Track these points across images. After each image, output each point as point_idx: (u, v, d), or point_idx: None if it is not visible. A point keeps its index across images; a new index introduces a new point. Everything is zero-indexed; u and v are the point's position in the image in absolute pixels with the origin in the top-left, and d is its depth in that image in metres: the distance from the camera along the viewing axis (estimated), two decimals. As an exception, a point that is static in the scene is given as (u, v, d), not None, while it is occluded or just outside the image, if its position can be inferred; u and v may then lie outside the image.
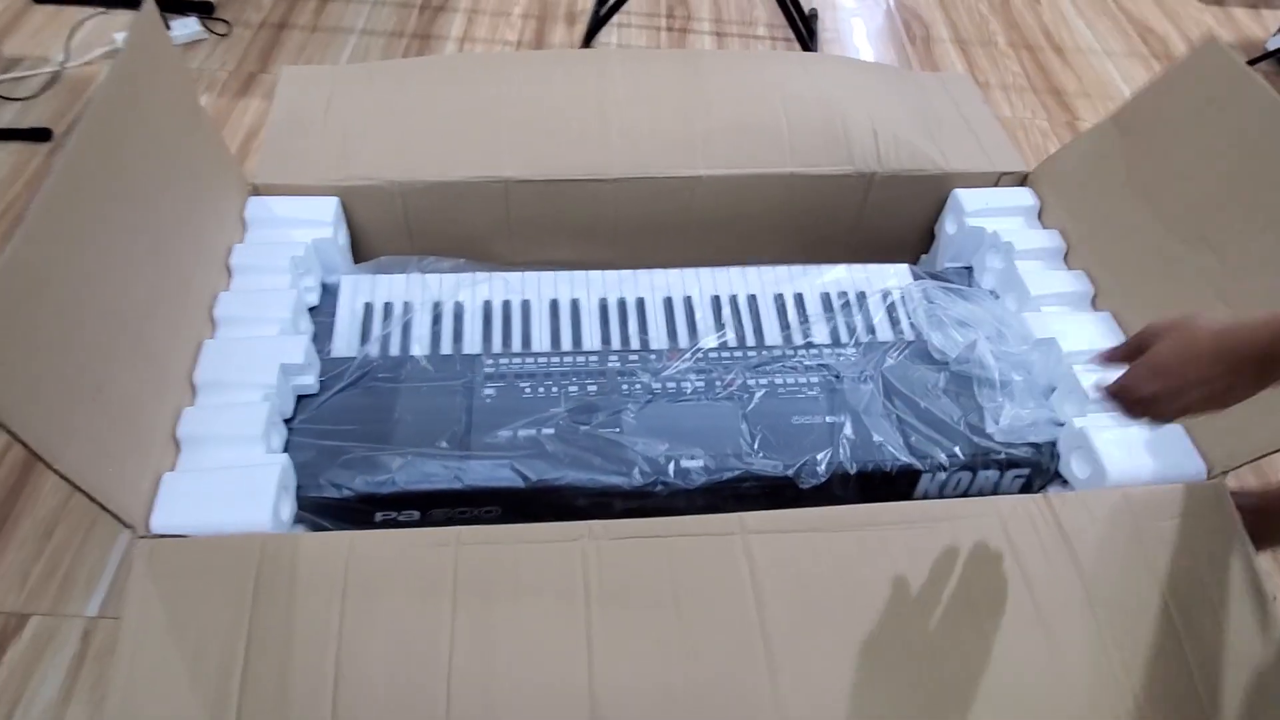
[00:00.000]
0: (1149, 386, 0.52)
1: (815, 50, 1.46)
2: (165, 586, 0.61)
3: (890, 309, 0.89)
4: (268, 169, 0.88)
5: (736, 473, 0.75)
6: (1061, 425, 0.79)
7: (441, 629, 0.60)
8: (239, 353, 0.74)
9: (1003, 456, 0.78)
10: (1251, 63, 1.63)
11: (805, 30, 1.53)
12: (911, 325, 0.87)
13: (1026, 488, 0.79)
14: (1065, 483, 0.78)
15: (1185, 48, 1.66)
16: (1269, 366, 0.46)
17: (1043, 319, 0.84)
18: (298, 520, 0.72)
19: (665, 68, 0.99)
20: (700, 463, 0.75)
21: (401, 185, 0.89)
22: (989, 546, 0.66)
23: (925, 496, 0.80)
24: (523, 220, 0.94)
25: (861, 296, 0.90)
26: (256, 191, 0.88)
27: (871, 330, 0.87)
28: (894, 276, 0.92)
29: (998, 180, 0.97)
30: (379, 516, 0.75)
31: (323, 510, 0.73)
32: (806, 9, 1.57)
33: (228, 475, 0.67)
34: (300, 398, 0.78)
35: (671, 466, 0.75)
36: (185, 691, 0.57)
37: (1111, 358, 0.56)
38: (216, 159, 0.84)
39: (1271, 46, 1.65)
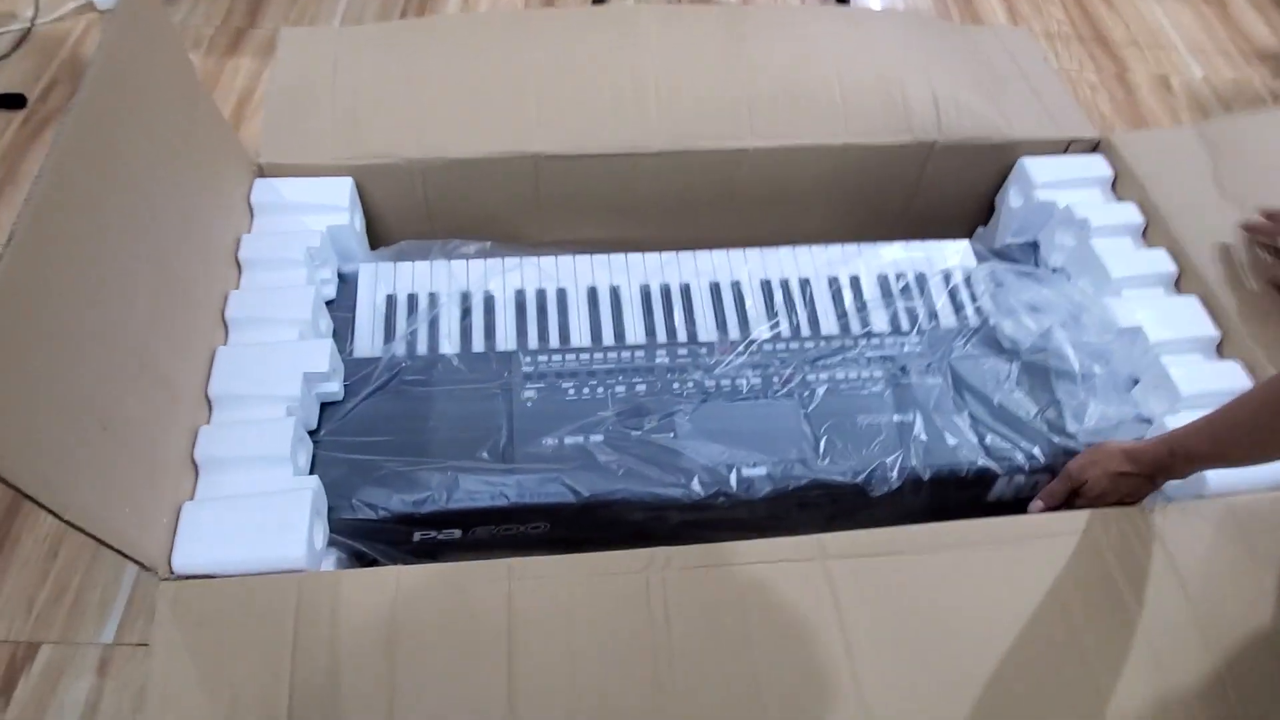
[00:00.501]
0: (1083, 503, 0.68)
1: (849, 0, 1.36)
2: (194, 636, 0.55)
3: (953, 292, 0.82)
4: (273, 147, 0.80)
5: (803, 482, 0.69)
6: (1149, 423, 0.73)
7: (498, 676, 0.54)
8: (257, 361, 0.67)
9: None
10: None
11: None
12: (977, 310, 0.81)
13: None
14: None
15: (1236, -10, 1.56)
16: (1161, 472, 0.64)
17: (1125, 304, 0.77)
18: (330, 543, 0.66)
19: (703, 28, 0.90)
20: (763, 470, 0.69)
21: (421, 164, 0.81)
22: (1088, 569, 0.60)
23: (1000, 500, 0.75)
24: (553, 198, 0.86)
25: (921, 279, 0.83)
26: (262, 173, 0.79)
27: (934, 316, 0.80)
28: (956, 255, 0.85)
29: (1066, 148, 0.89)
30: (417, 536, 0.69)
31: (356, 532, 0.67)
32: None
33: (255, 504, 0.60)
34: (324, 405, 0.71)
35: (733, 476, 0.69)
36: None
37: (1051, 504, 0.70)
38: (218, 138, 0.75)
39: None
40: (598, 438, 0.71)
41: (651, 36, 0.89)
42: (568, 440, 0.70)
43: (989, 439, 0.72)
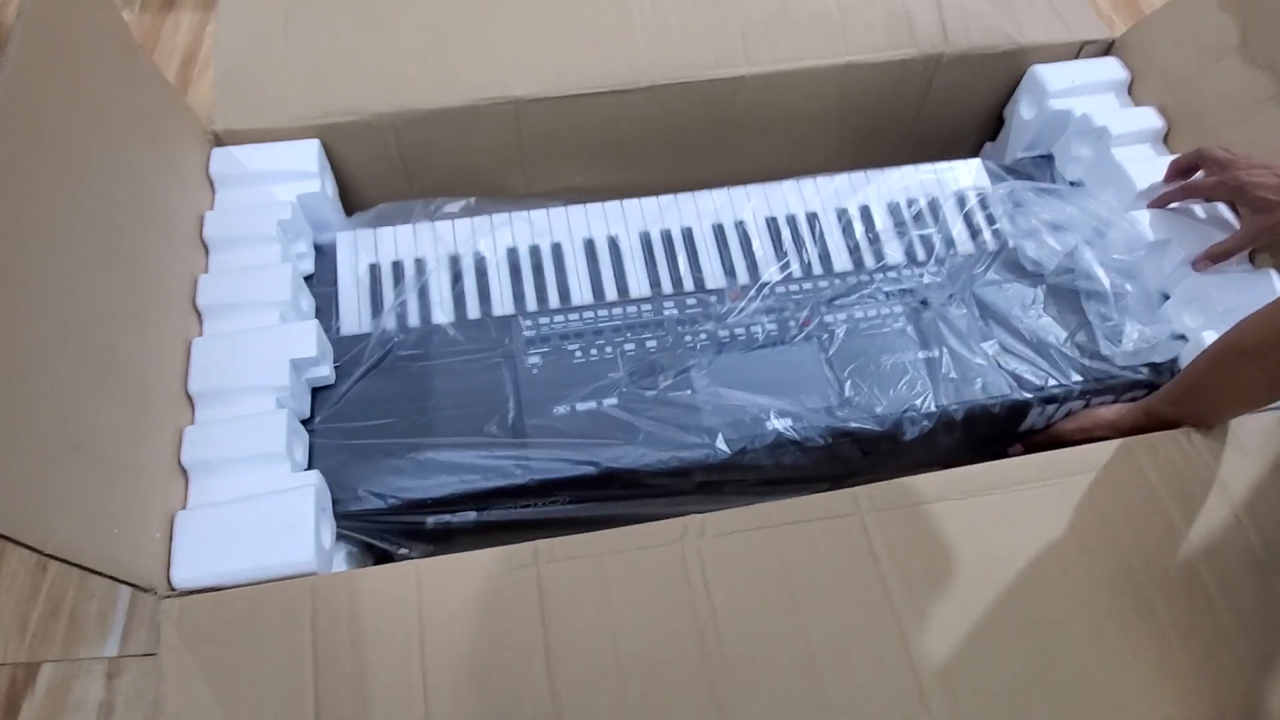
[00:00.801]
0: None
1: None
2: (206, 655, 0.51)
3: (969, 216, 0.78)
4: (228, 111, 0.73)
5: (832, 431, 0.66)
6: (1185, 340, 0.70)
7: (536, 665, 0.51)
8: (238, 350, 0.62)
9: (1120, 381, 0.69)
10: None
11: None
12: (995, 233, 0.76)
13: None
14: None
15: None
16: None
17: (1152, 217, 0.74)
18: (337, 538, 0.62)
19: (684, -58, 0.83)
20: (789, 422, 0.66)
21: (392, 118, 0.74)
22: (1138, 499, 0.58)
23: (1032, 429, 0.72)
24: (538, 144, 0.80)
25: (934, 203, 0.78)
26: (219, 141, 0.72)
27: (951, 243, 0.76)
28: (968, 175, 0.80)
29: (1079, 51, 0.84)
30: (430, 521, 0.65)
31: (365, 523, 0.63)
32: None
33: (254, 506, 0.56)
34: (315, 390, 0.66)
35: (758, 430, 0.65)
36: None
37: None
38: (165, 106, 0.68)
39: None
40: (611, 401, 0.67)
41: (628, -43, 0.81)
42: (580, 407, 0.66)
43: (1021, 369, 0.69)
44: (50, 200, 0.51)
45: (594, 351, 0.69)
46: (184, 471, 0.58)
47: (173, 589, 0.53)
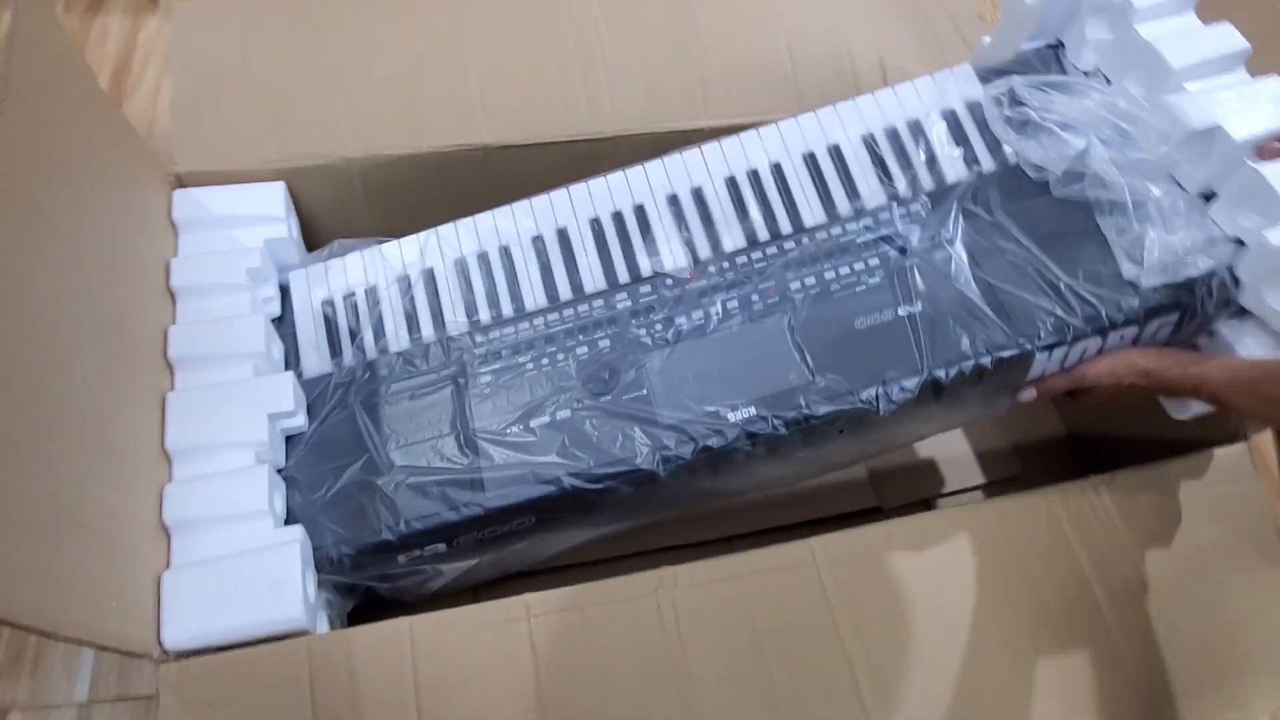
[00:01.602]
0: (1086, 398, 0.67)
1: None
2: (207, 718, 0.52)
3: (958, 131, 0.70)
4: (188, 150, 0.72)
5: (801, 416, 0.61)
6: (1240, 244, 0.60)
7: (529, 715, 0.55)
8: (214, 406, 0.62)
9: (1142, 309, 0.62)
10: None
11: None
12: (990, 146, 0.68)
13: (1176, 332, 0.65)
14: (1242, 316, 0.63)
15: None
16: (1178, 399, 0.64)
17: (1194, 101, 0.61)
18: (318, 584, 0.63)
19: (647, -8, 0.86)
20: (750, 412, 0.61)
21: (359, 163, 0.74)
22: (1053, 545, 0.65)
23: (1043, 375, 0.66)
24: (504, 185, 0.81)
25: (916, 126, 0.70)
26: (180, 182, 0.71)
27: (937, 170, 0.69)
28: (954, 82, 0.71)
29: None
30: (402, 559, 0.67)
31: (341, 569, 0.64)
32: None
33: (240, 564, 0.57)
34: (289, 438, 0.67)
35: (718, 427, 0.61)
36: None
37: (1046, 394, 0.67)
38: (126, 146, 0.67)
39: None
40: (565, 414, 0.63)
41: (594, 5, 0.83)
42: (534, 423, 0.64)
43: (1018, 313, 0.62)
44: (34, 263, 0.50)
45: (545, 361, 0.66)
46: (166, 530, 0.58)
47: (165, 652, 0.54)
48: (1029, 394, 0.66)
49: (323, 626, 0.60)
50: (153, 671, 0.53)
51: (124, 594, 0.52)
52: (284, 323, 0.72)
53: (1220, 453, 0.70)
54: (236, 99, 0.74)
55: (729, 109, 0.82)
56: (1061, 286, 0.62)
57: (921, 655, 0.61)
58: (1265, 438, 0.96)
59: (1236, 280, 0.61)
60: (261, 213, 0.71)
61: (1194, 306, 0.62)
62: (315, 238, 0.79)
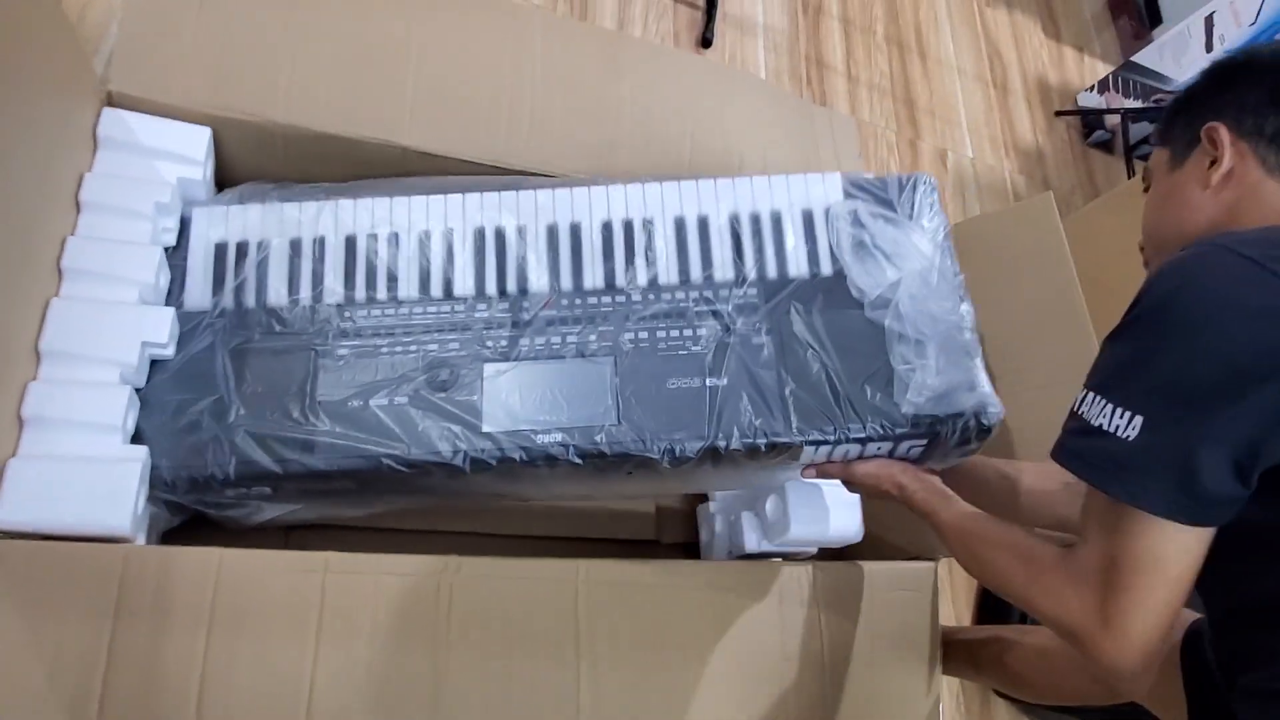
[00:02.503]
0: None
1: (716, 2, 1.42)
2: (20, 594, 0.60)
3: (809, 233, 0.79)
4: (126, 74, 0.76)
5: (597, 452, 0.70)
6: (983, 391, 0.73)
7: (304, 666, 0.65)
8: (94, 321, 0.68)
9: (899, 432, 0.72)
10: (1058, 114, 1.84)
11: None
12: (829, 255, 0.78)
13: (926, 455, 0.76)
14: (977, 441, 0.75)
15: (1021, 83, 1.82)
16: (920, 514, 0.71)
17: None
18: (149, 497, 0.71)
19: (585, 51, 0.96)
20: (558, 438, 0.70)
21: (285, 129, 0.81)
22: (768, 609, 0.82)
23: (812, 463, 0.77)
24: (416, 183, 0.90)
25: (777, 218, 0.80)
26: (111, 101, 0.76)
27: (783, 262, 0.78)
28: (821, 186, 0.81)
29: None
30: (230, 494, 0.75)
31: (174, 490, 0.72)
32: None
33: (84, 468, 0.64)
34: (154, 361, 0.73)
35: (529, 444, 0.70)
36: (42, 704, 0.59)
37: (820, 477, 0.78)
38: (66, 53, 0.71)
39: (1081, 102, 1.87)
40: (401, 400, 0.71)
41: (537, 47, 0.93)
42: (373, 402, 0.71)
43: (802, 409, 0.71)
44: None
45: (399, 348, 0.73)
46: (20, 421, 0.64)
47: (-5, 527, 0.61)
48: (809, 472, 0.77)
49: (141, 539, 0.68)
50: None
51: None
52: (175, 253, 0.78)
53: (914, 565, 0.89)
54: (185, 36, 0.79)
55: (626, 174, 0.93)
56: (842, 394, 0.72)
57: (640, 681, 0.75)
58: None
59: (982, 425, 0.73)
60: (183, 152, 0.77)
61: (941, 437, 0.73)
62: (224, 185, 0.85)
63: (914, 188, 0.81)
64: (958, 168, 1.62)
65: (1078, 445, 0.56)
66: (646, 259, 0.78)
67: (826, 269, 0.77)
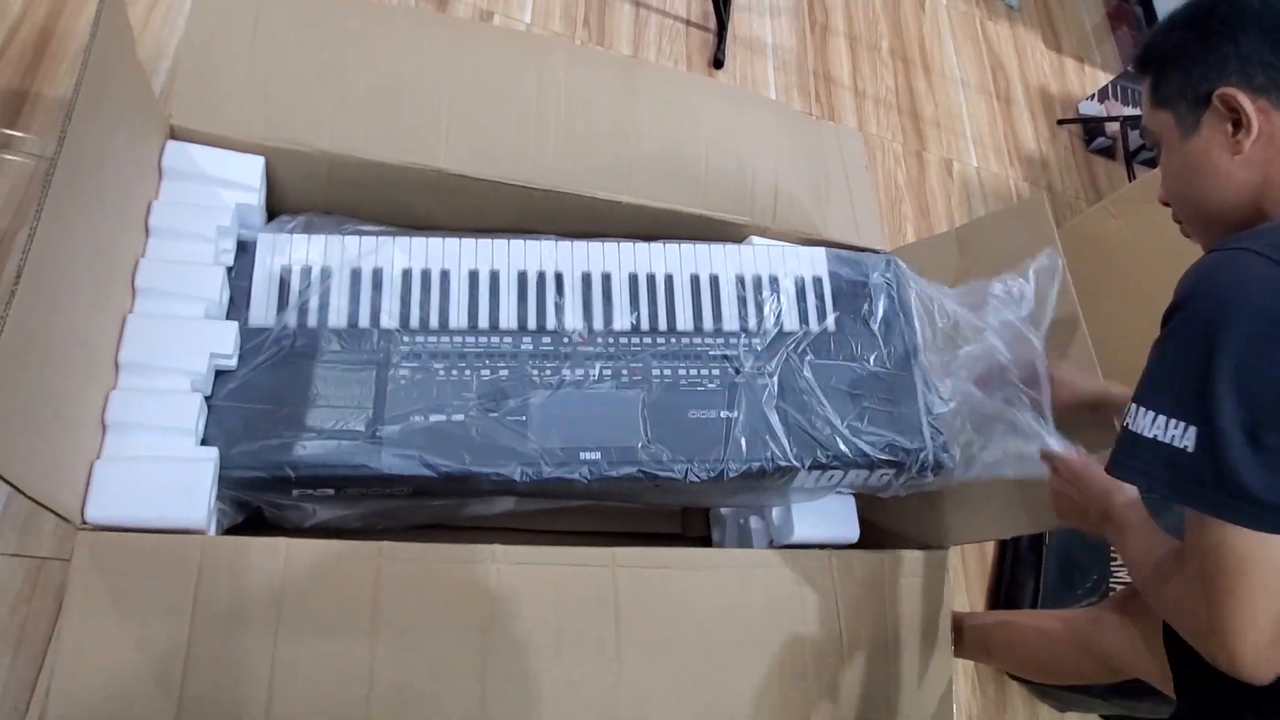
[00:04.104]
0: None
1: (727, 25, 1.49)
2: (109, 581, 0.66)
3: (801, 296, 0.95)
4: (186, 108, 0.83)
5: (629, 470, 0.82)
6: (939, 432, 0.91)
7: (361, 652, 0.71)
8: (166, 335, 0.75)
9: (871, 459, 0.88)
10: (1060, 123, 1.89)
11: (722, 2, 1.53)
12: (817, 315, 0.94)
13: (898, 476, 0.91)
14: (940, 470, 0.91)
15: (1023, 94, 1.88)
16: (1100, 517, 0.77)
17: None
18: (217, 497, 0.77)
19: (604, 78, 1.02)
20: (596, 455, 0.82)
21: (331, 157, 0.88)
22: (816, 596, 0.87)
23: (802, 486, 0.90)
24: (448, 201, 0.96)
25: (775, 282, 0.95)
26: (174, 134, 0.83)
27: (780, 319, 0.93)
28: (810, 258, 0.98)
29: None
30: (295, 494, 0.81)
31: (242, 485, 0.78)
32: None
33: (162, 468, 0.71)
34: (219, 371, 0.80)
35: (571, 462, 0.81)
36: (132, 674, 0.65)
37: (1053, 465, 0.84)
38: (138, 91, 0.78)
39: (1082, 110, 1.92)
40: (459, 418, 0.80)
41: (560, 74, 0.99)
42: (432, 418, 0.80)
43: (798, 438, 0.86)
44: (69, 200, 0.62)
45: (455, 372, 0.83)
46: (104, 426, 0.71)
47: (85, 522, 0.67)
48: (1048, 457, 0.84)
49: (214, 531, 0.74)
50: (55, 538, 0.66)
51: (64, 467, 0.65)
52: (238, 274, 0.85)
53: (927, 553, 0.94)
54: (237, 72, 0.86)
55: (645, 192, 1.00)
56: (829, 433, 0.87)
57: (675, 668, 0.80)
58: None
59: (934, 453, 0.90)
60: (240, 180, 0.84)
61: (904, 464, 0.90)
62: (275, 209, 0.92)
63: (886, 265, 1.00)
64: (963, 177, 1.67)
65: (1139, 460, 0.56)
66: (667, 308, 0.91)
67: (814, 325, 0.93)
